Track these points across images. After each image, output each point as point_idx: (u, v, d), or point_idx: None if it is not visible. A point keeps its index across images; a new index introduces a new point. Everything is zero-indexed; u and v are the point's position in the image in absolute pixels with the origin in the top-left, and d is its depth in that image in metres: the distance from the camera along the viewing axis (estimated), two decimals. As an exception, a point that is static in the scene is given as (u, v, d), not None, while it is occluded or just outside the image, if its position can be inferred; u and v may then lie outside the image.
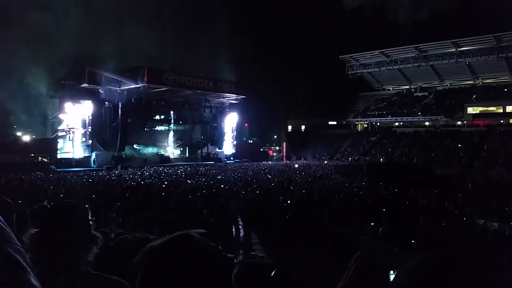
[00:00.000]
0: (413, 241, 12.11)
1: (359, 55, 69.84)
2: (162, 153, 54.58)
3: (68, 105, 46.93)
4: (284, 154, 63.75)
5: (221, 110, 60.49)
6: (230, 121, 61.75)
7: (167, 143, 56.81)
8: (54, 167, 40.08)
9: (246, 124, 70.94)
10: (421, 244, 11.69)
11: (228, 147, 61.04)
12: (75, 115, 47.14)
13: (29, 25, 47.37)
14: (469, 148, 48.31)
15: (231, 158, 58.53)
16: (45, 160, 44.89)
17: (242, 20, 70.15)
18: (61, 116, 47.32)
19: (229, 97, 58.83)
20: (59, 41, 49.29)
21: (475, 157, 45.36)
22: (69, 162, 44.61)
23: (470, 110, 58.72)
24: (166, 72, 49.37)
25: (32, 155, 44.92)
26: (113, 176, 31.66)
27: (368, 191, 21.84)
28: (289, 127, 72.79)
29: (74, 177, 29.89)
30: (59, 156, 46.17)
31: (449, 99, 62.67)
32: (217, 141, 59.88)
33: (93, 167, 43.58)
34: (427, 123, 61.33)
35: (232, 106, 61.59)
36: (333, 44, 72.56)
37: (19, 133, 53.07)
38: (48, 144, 47.31)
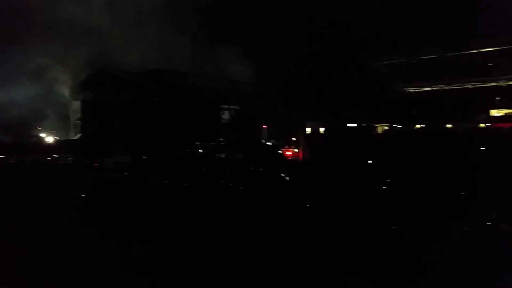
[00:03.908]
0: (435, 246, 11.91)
1: (380, 55, 68.99)
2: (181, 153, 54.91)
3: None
4: (301, 156, 63.55)
5: (239, 112, 60.64)
6: (249, 123, 61.78)
7: (186, 144, 57.09)
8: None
9: (265, 126, 70.89)
10: (443, 249, 11.49)
11: (246, 149, 61.05)
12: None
13: (53, 29, 48.47)
14: (493, 151, 47.09)
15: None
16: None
17: (261, 21, 70.22)
18: None
19: (247, 99, 58.99)
20: (82, 44, 50.36)
21: (500, 160, 44.18)
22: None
23: (494, 112, 57.37)
24: (185, 74, 49.93)
25: (56, 156, 45.85)
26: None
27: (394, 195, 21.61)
28: (308, 129, 72.33)
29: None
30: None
31: (472, 101, 61.23)
32: (235, 143, 60.02)
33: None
34: (449, 126, 60.11)
35: (250, 108, 61.67)
36: (354, 45, 71.82)
37: (43, 134, 54.32)
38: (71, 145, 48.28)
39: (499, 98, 59.25)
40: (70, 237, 13.64)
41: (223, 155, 58.09)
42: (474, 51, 59.16)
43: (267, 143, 70.21)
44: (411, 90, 73.25)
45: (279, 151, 68.35)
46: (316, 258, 11.93)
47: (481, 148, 48.52)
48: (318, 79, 73.98)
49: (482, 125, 57.00)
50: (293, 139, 74.98)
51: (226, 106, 59.45)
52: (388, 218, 15.69)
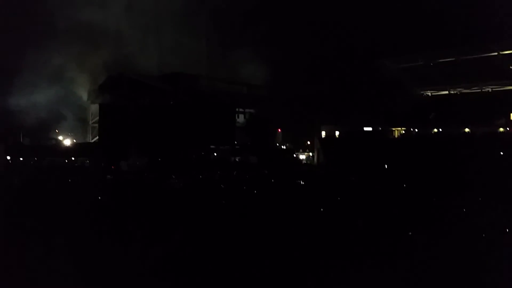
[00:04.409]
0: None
1: (396, 58, 68.29)
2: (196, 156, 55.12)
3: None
4: (317, 160, 63.11)
5: (254, 115, 60.67)
6: (263, 127, 61.72)
7: (202, 147, 57.35)
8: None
9: (280, 130, 70.77)
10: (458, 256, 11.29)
11: (260, 153, 60.95)
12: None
13: (72, 33, 49.38)
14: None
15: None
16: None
17: (276, 25, 70.24)
18: None
19: (262, 102, 59.02)
20: (101, 48, 51.18)
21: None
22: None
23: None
24: (201, 78, 50.27)
25: (73, 158, 46.61)
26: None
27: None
28: (323, 133, 71.88)
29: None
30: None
31: (491, 105, 60.03)
32: (250, 146, 60.02)
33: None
34: (467, 130, 59.05)
35: (265, 111, 61.64)
36: (371, 48, 71.25)
37: (61, 137, 55.26)
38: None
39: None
40: (83, 238, 13.81)
41: (237, 159, 58.19)
42: (493, 53, 58.06)
43: (282, 146, 70.05)
44: (428, 93, 72.25)
45: (294, 155, 68.09)
46: (328, 261, 11.84)
47: (501, 153, 47.50)
48: (333, 83, 73.54)
49: (501, 129, 55.87)
50: (308, 143, 74.67)
51: (241, 110, 59.49)
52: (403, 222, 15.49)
